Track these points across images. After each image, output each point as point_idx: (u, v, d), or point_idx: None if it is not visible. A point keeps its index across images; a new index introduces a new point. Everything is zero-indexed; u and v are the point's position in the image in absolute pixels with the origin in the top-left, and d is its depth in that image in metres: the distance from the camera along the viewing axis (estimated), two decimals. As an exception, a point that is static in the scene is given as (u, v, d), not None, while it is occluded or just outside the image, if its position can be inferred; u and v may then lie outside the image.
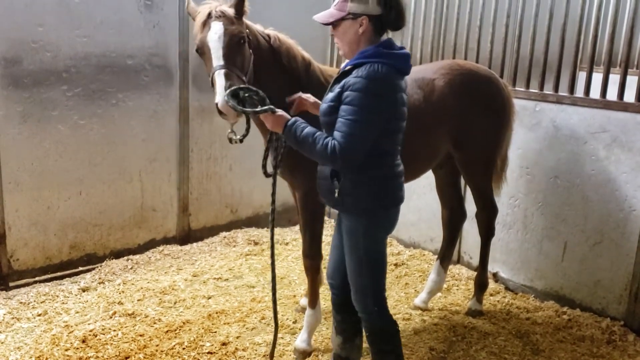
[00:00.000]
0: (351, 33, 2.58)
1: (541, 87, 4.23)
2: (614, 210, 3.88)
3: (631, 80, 3.92)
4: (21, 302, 4.00)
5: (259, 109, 2.70)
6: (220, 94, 2.81)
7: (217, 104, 2.84)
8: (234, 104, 2.72)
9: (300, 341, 3.51)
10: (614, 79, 3.90)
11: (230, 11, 3.01)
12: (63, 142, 4.33)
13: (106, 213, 4.66)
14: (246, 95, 2.75)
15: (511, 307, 4.18)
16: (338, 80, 2.63)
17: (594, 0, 4.03)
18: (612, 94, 3.89)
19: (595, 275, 4.02)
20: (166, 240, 5.08)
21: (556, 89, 4.17)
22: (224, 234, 5.37)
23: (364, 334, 2.99)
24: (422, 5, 4.95)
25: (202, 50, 3.00)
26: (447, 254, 4.19)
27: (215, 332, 3.72)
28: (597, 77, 3.98)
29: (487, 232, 4.03)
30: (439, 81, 3.62)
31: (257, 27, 3.23)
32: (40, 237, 4.35)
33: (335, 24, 2.61)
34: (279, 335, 3.69)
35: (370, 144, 2.53)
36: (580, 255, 4.08)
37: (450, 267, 4.68)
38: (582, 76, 4.23)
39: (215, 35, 2.94)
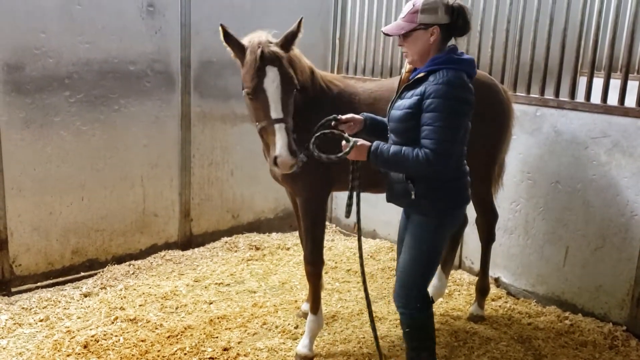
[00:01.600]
0: (422, 42, 2.70)
1: (542, 92, 4.24)
2: (615, 215, 3.88)
3: (632, 85, 3.93)
4: (23, 308, 4.01)
5: (346, 150, 2.78)
6: (283, 148, 2.86)
7: (276, 158, 2.88)
8: (325, 155, 2.84)
9: (301, 346, 3.51)
10: (615, 84, 3.91)
11: (282, 53, 2.97)
12: (65, 148, 4.34)
13: (108, 218, 4.67)
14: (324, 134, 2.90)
15: (513, 312, 4.18)
16: (410, 87, 2.72)
17: (595, 5, 4.03)
18: (612, 99, 3.90)
19: (597, 280, 4.01)
20: (168, 246, 5.09)
21: (557, 94, 4.18)
22: (225, 239, 5.38)
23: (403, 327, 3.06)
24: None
25: (255, 97, 2.95)
26: (448, 259, 4.19)
27: (217, 337, 3.72)
28: (598, 82, 3.99)
29: (487, 237, 4.04)
30: None
31: None
32: (42, 243, 4.36)
33: (405, 35, 2.72)
34: (281, 341, 3.70)
35: (460, 145, 2.68)
36: (582, 260, 4.07)
37: (452, 272, 4.68)
38: (582, 81, 4.24)
39: (273, 84, 2.91)
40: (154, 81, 4.72)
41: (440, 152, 2.56)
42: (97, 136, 4.48)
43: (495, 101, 3.76)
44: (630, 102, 3.83)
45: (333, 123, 2.98)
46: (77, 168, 4.43)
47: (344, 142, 2.82)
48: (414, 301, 2.85)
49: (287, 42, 3.05)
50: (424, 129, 2.61)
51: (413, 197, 2.74)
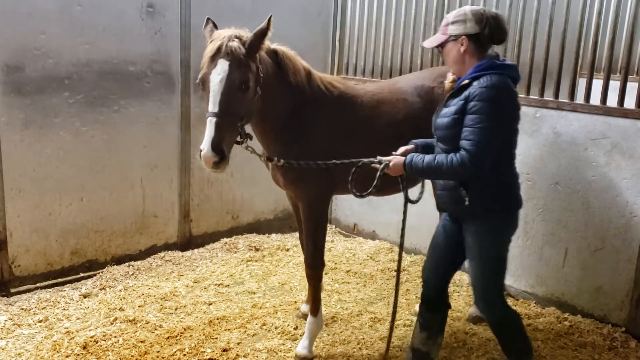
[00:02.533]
0: (454, 53, 2.81)
1: (541, 94, 4.24)
2: (615, 216, 3.88)
3: (631, 87, 3.93)
4: (22, 308, 4.00)
5: (376, 179, 2.95)
6: (206, 142, 2.82)
7: (200, 151, 2.84)
8: (360, 193, 3.05)
9: (301, 347, 3.51)
10: (614, 85, 3.91)
11: (240, 50, 2.90)
12: (65, 149, 4.34)
13: (107, 219, 4.66)
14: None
15: (512, 313, 4.18)
16: (455, 94, 2.81)
17: (594, 6, 4.03)
18: (612, 101, 3.90)
19: (596, 281, 4.01)
20: (167, 247, 5.08)
21: (556, 95, 4.18)
22: (225, 240, 5.37)
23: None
24: (423, 13, 4.97)
25: (203, 87, 2.95)
26: None
27: (216, 338, 3.72)
28: (597, 84, 3.99)
29: None
30: (438, 89, 3.64)
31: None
32: (41, 243, 4.35)
33: (441, 47, 2.86)
34: (280, 342, 3.70)
35: (496, 150, 2.70)
36: (582, 262, 4.07)
37: (452, 273, 4.68)
38: (582, 82, 4.24)
39: (217, 77, 2.86)
40: (153, 82, 4.72)
41: (476, 154, 2.63)
42: (96, 137, 4.48)
43: None
44: (629, 103, 3.83)
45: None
46: (76, 169, 4.43)
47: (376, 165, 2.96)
48: (494, 304, 2.92)
49: (255, 39, 2.97)
50: (464, 130, 2.68)
51: (467, 203, 2.78)
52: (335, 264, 4.98)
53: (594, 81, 4.03)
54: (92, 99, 4.41)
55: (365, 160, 3.00)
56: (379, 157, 2.97)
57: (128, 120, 4.63)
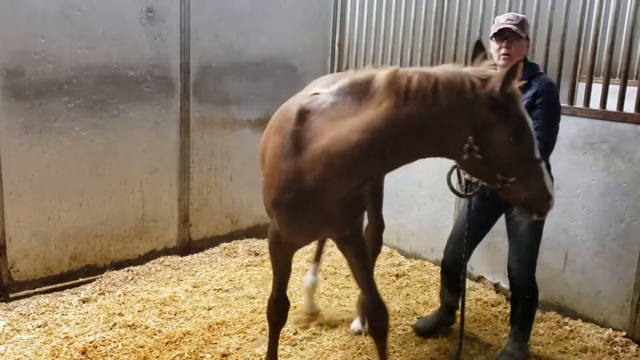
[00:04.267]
0: (523, 51, 3.25)
1: (541, 98, 4.24)
2: (614, 220, 3.88)
3: (631, 91, 3.93)
4: (21, 314, 3.99)
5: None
6: (552, 188, 2.52)
7: (550, 200, 2.47)
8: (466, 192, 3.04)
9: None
10: (614, 89, 3.92)
11: None
12: (64, 153, 4.34)
13: (107, 224, 4.66)
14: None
15: (512, 317, 4.17)
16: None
17: (593, 11, 4.04)
18: (611, 105, 3.90)
19: (596, 285, 4.01)
20: (167, 251, 5.07)
21: (556, 99, 4.18)
22: (224, 244, 5.36)
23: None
24: (422, 17, 4.98)
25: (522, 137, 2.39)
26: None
27: (216, 343, 3.71)
28: (597, 88, 3.99)
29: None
30: None
31: None
32: (40, 248, 4.35)
33: (514, 39, 3.17)
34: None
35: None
36: (582, 266, 4.07)
37: (451, 277, 4.67)
38: (581, 87, 4.24)
39: (529, 117, 2.47)
40: (153, 86, 4.72)
41: (550, 141, 3.13)
42: (96, 141, 4.48)
43: None
44: (629, 107, 3.83)
45: None
46: (76, 173, 4.42)
47: None
48: (533, 275, 3.43)
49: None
50: (537, 120, 3.06)
51: None
52: (335, 269, 4.97)
53: (594, 85, 4.03)
54: (91, 103, 4.40)
55: None
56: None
57: (128, 125, 4.62)
